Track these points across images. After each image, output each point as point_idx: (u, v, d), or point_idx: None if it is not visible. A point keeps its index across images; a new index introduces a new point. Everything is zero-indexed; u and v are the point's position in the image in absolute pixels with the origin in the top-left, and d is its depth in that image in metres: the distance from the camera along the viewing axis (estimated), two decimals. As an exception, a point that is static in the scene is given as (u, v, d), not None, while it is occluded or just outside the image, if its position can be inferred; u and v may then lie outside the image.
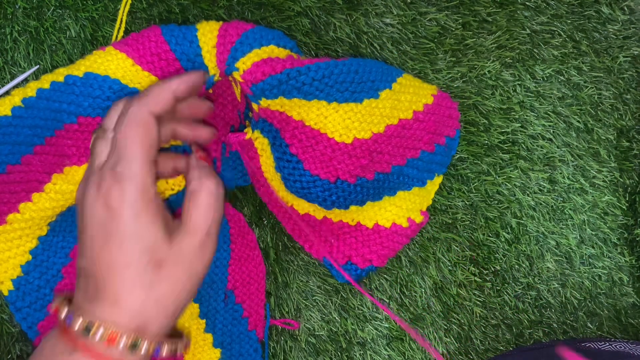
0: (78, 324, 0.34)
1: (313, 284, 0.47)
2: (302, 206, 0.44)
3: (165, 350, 0.35)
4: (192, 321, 0.45)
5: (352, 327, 0.47)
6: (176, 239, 0.36)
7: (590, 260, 0.47)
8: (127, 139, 0.35)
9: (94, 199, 0.35)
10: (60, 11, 0.44)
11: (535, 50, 0.46)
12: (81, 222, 0.36)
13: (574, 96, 0.47)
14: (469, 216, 0.46)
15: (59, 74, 0.40)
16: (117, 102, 0.38)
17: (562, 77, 0.46)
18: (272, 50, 0.39)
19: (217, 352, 0.46)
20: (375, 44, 0.45)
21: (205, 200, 0.37)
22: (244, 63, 0.38)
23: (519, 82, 0.46)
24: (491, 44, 0.46)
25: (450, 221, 0.46)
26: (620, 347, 0.43)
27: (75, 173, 0.40)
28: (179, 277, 0.36)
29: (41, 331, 0.44)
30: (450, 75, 0.46)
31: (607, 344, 0.43)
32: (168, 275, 0.35)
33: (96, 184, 0.35)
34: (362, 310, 0.47)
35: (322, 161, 0.40)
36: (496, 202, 0.46)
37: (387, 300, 0.47)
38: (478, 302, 0.46)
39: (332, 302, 0.47)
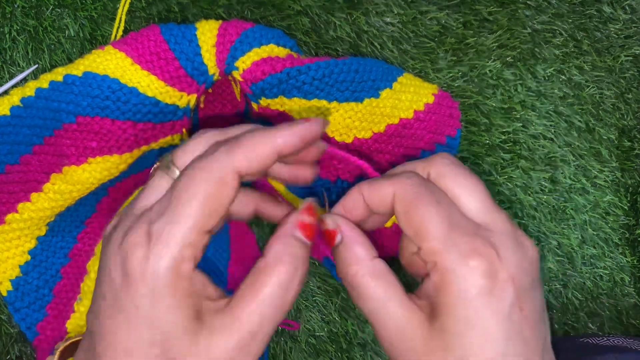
0: None
1: (313, 284, 0.47)
2: (302, 206, 0.44)
3: None
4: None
5: (353, 327, 0.47)
6: (207, 332, 0.27)
7: (591, 260, 0.46)
8: (187, 194, 0.27)
9: (115, 252, 0.27)
10: (59, 10, 0.44)
11: (536, 49, 0.46)
12: (99, 268, 0.29)
13: (575, 95, 0.46)
14: (469, 216, 0.46)
15: (58, 74, 0.40)
16: (205, 133, 0.31)
17: (563, 77, 0.46)
18: (272, 50, 0.39)
19: (217, 353, 0.45)
20: (376, 43, 0.45)
21: (270, 290, 0.28)
22: (244, 62, 0.38)
23: (520, 82, 0.46)
24: (492, 43, 0.46)
25: (451, 221, 0.46)
26: (619, 342, 0.43)
27: (74, 173, 0.40)
28: None
29: (40, 332, 0.43)
30: (451, 74, 0.46)
31: (606, 339, 0.44)
32: None
33: (124, 231, 0.28)
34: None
35: (322, 161, 0.40)
36: (497, 202, 0.46)
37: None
38: (479, 303, 0.46)
39: (332, 303, 0.47)
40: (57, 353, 0.34)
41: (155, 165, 0.31)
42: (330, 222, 0.32)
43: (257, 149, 0.28)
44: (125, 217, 0.29)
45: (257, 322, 0.27)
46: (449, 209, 0.30)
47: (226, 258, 0.46)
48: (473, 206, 0.31)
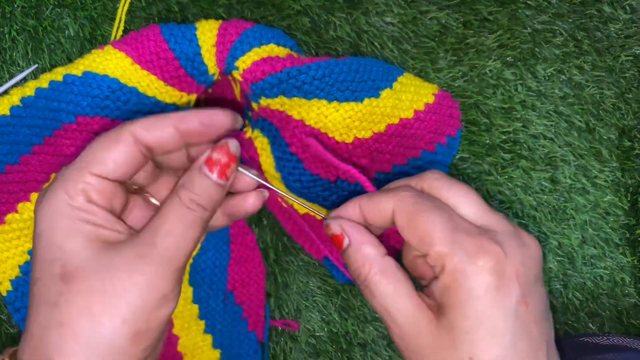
0: None
1: (313, 284, 0.47)
2: (302, 206, 0.44)
3: None
4: (192, 322, 0.45)
5: (353, 327, 0.47)
6: (114, 251, 0.29)
7: (592, 260, 0.46)
8: (86, 147, 0.32)
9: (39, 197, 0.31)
10: (59, 10, 0.44)
11: (536, 49, 0.46)
12: None
13: (575, 95, 0.46)
14: (470, 216, 0.46)
15: (58, 73, 0.40)
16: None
17: (563, 77, 0.46)
18: (272, 49, 0.39)
19: (217, 353, 0.45)
20: (376, 43, 0.45)
21: (171, 225, 0.30)
22: (244, 62, 0.38)
23: (521, 82, 0.46)
24: (492, 43, 0.46)
25: (451, 221, 0.46)
26: (618, 341, 0.43)
27: (73, 173, 0.40)
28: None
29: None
30: (451, 74, 0.46)
31: (605, 338, 0.44)
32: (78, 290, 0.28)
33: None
34: (362, 311, 0.47)
35: (322, 160, 0.40)
36: (498, 202, 0.46)
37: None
38: (479, 303, 0.46)
39: (332, 303, 0.47)
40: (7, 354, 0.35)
41: None
42: (335, 226, 0.34)
43: (156, 120, 0.31)
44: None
45: (168, 249, 0.29)
46: (450, 213, 0.32)
47: (226, 258, 0.46)
48: (471, 211, 0.33)
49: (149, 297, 0.28)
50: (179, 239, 0.29)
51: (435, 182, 0.34)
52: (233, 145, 0.32)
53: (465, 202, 0.33)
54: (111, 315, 0.28)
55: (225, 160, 0.31)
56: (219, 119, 0.32)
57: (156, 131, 0.31)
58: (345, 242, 0.33)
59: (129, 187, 0.34)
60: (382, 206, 0.33)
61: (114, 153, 0.30)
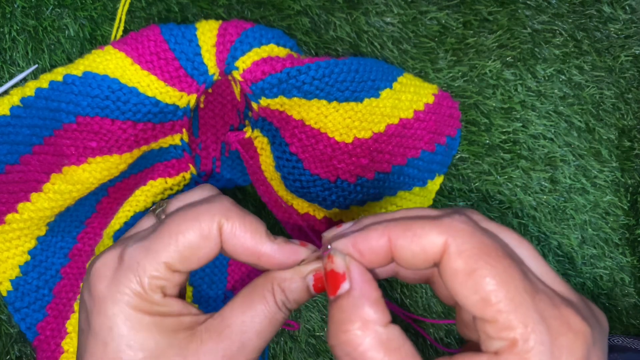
0: None
1: (313, 284, 0.47)
2: (302, 206, 0.44)
3: None
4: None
5: (353, 327, 0.47)
6: (197, 341, 0.27)
7: (591, 260, 0.46)
8: (169, 232, 0.27)
9: (86, 274, 0.28)
10: (59, 10, 0.44)
11: (536, 49, 0.46)
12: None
13: (575, 95, 0.46)
14: (469, 216, 0.46)
15: (58, 73, 0.40)
16: (204, 187, 0.30)
17: (563, 77, 0.46)
18: (272, 49, 0.39)
19: (217, 353, 0.45)
20: (376, 43, 0.45)
21: (260, 312, 0.28)
22: (244, 62, 0.38)
23: (520, 82, 0.46)
24: (492, 43, 0.46)
25: (451, 221, 0.46)
26: (618, 341, 0.43)
27: (73, 173, 0.40)
28: None
29: (40, 332, 0.43)
30: (451, 74, 0.46)
31: None
32: None
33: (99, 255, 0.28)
34: (362, 310, 0.47)
35: (322, 160, 0.40)
36: (497, 202, 0.46)
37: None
38: (479, 303, 0.46)
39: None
40: None
41: (150, 209, 0.31)
42: (340, 262, 0.25)
43: (247, 221, 0.27)
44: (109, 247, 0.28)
45: (245, 333, 0.27)
46: (524, 268, 0.23)
47: (226, 258, 0.46)
48: (536, 268, 0.24)
49: None
50: (264, 340, 0.28)
51: (478, 218, 0.25)
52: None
53: (527, 255, 0.24)
54: None
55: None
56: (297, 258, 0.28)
57: (240, 241, 0.27)
58: (344, 287, 0.25)
59: None
60: (426, 239, 0.23)
61: (204, 250, 0.27)
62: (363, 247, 0.25)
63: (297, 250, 0.28)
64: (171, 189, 0.43)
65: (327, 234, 0.27)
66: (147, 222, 0.29)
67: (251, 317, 0.27)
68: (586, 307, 0.24)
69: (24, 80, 0.44)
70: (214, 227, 0.27)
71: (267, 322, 0.27)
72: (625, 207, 0.47)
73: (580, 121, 0.46)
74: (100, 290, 0.26)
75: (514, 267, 0.22)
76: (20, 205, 0.41)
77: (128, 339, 0.26)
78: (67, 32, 0.44)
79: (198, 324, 0.28)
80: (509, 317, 0.22)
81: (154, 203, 0.43)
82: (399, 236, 0.24)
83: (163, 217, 0.28)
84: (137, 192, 0.42)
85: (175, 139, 0.41)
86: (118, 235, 0.42)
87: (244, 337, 0.27)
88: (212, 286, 0.45)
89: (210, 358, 0.26)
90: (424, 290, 0.46)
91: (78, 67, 0.39)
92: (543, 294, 0.22)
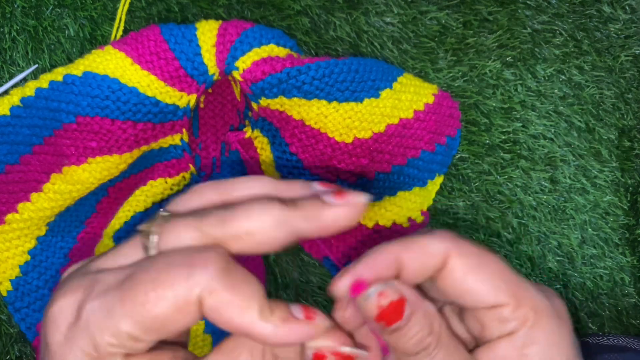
0: None
1: (313, 284, 0.47)
2: (302, 206, 0.44)
3: None
4: (192, 322, 0.45)
5: (353, 327, 0.47)
6: None
7: (591, 260, 0.46)
8: (139, 298, 0.22)
9: (46, 311, 0.24)
10: (59, 10, 0.44)
11: (536, 49, 0.46)
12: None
13: (575, 95, 0.46)
14: (470, 216, 0.46)
15: (58, 73, 0.40)
16: (201, 189, 0.25)
17: (563, 77, 0.46)
18: (272, 49, 0.39)
19: (217, 353, 0.45)
20: (376, 43, 0.45)
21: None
22: (244, 62, 0.38)
23: (520, 82, 0.46)
24: (492, 43, 0.46)
25: (451, 221, 0.46)
26: (618, 341, 0.43)
27: (74, 173, 0.40)
28: None
29: (40, 332, 0.43)
30: (451, 74, 0.46)
31: (605, 338, 0.44)
32: None
33: (63, 289, 0.24)
34: (362, 310, 0.47)
35: (322, 160, 0.40)
36: (497, 202, 0.46)
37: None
38: (479, 303, 0.46)
39: (332, 303, 0.47)
40: None
41: (140, 227, 0.25)
42: (392, 292, 0.24)
43: (237, 294, 0.22)
44: (79, 272, 0.24)
45: None
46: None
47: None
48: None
49: None
50: None
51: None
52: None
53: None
54: None
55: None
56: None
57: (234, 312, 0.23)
58: (407, 312, 0.24)
59: None
60: (429, 250, 0.24)
61: (176, 325, 0.23)
62: (377, 272, 0.24)
63: (299, 331, 0.23)
64: (171, 189, 0.43)
65: (341, 285, 0.25)
66: (130, 251, 0.24)
67: None
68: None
69: (24, 80, 0.44)
70: (191, 299, 0.22)
71: None
72: (625, 207, 0.47)
73: (580, 121, 0.46)
74: (55, 342, 0.23)
75: (504, 261, 0.26)
76: (20, 205, 0.41)
77: None
78: (67, 32, 0.44)
79: None
80: (524, 295, 0.25)
81: (153, 203, 0.43)
82: (405, 251, 0.25)
83: (152, 252, 0.24)
84: (137, 192, 0.42)
85: (175, 139, 0.41)
86: (118, 235, 0.42)
87: None
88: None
89: None
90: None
91: (78, 67, 0.39)
92: (525, 280, 0.26)
